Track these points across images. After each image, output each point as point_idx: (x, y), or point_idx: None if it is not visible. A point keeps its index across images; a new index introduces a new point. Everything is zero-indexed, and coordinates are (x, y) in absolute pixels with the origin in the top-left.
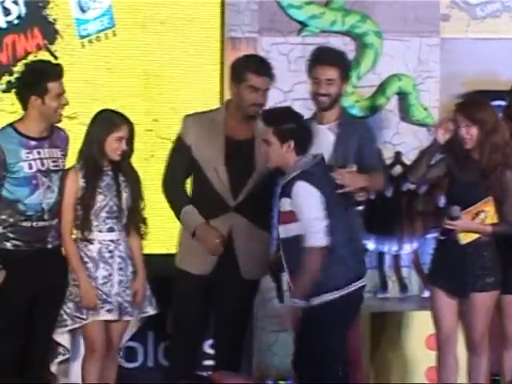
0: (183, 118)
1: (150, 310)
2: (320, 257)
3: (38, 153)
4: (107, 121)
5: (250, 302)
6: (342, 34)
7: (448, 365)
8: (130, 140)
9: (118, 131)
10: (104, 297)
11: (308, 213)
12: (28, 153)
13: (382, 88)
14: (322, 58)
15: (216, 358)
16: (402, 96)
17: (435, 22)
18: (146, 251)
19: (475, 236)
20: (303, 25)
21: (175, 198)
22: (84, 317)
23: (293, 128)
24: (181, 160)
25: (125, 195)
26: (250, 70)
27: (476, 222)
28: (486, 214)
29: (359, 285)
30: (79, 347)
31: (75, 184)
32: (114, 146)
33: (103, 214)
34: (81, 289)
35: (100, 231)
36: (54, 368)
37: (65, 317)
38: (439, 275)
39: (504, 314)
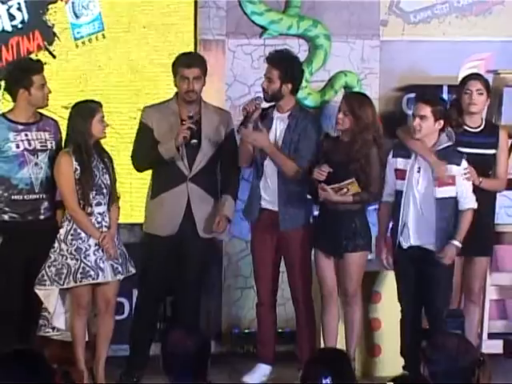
0: (143, 108)
1: (133, 270)
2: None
3: (26, 135)
4: (87, 109)
5: (207, 259)
6: (297, 36)
7: (331, 313)
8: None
9: (98, 113)
10: (94, 262)
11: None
12: (16, 135)
13: (330, 83)
14: (270, 59)
15: (176, 315)
16: (348, 89)
17: (375, 27)
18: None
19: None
20: (264, 29)
21: (146, 157)
22: (61, 282)
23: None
24: (146, 137)
25: (108, 173)
26: (180, 64)
27: (337, 195)
28: (349, 191)
29: None
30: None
31: (70, 166)
32: (99, 127)
33: (93, 191)
34: (104, 242)
35: (90, 206)
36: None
37: (45, 277)
38: (320, 238)
39: (471, 273)
